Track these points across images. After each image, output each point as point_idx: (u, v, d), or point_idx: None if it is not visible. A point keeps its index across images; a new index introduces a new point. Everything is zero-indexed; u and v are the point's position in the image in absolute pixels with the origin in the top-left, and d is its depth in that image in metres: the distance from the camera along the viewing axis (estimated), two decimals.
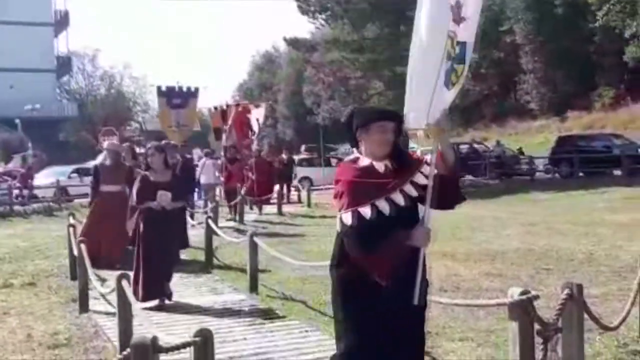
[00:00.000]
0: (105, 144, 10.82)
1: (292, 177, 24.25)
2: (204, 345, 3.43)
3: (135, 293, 6.60)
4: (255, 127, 14.68)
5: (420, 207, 3.68)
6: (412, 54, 3.71)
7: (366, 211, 3.43)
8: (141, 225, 7.39)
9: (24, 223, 19.46)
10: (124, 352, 3.27)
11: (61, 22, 59.05)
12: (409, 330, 3.63)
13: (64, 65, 61.03)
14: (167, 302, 7.47)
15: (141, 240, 7.40)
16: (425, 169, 3.59)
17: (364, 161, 3.61)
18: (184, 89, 14.18)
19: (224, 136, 14.17)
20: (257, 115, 14.82)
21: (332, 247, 3.94)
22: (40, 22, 54.05)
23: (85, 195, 24.25)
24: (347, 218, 3.46)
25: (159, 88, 14.54)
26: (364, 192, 3.47)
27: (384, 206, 3.46)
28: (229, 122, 14.74)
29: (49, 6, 57.49)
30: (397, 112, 3.86)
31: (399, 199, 3.51)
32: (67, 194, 25.71)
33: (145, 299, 7.24)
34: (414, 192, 3.56)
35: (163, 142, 12.85)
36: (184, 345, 3.43)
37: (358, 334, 3.54)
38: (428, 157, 3.63)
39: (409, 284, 3.52)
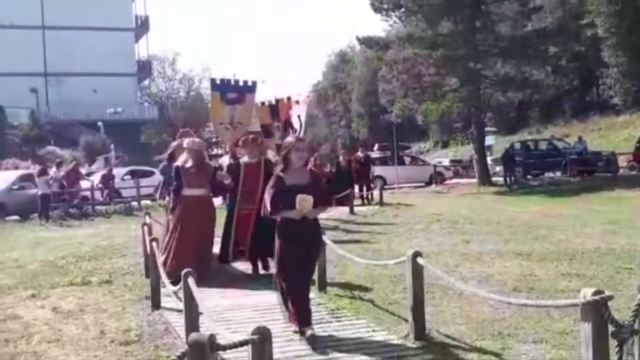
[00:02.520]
0: (185, 143, 9.45)
1: (370, 177, 23.70)
2: (262, 342, 3.39)
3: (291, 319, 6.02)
4: (297, 125, 13.13)
5: None
6: None
7: None
8: (278, 242, 6.02)
9: (105, 222, 20.13)
10: (182, 350, 3.26)
11: (141, 27, 60.63)
12: None
13: (145, 69, 62.63)
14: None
15: (283, 262, 6.02)
16: None
17: None
18: (240, 83, 12.85)
19: (276, 134, 12.69)
20: (298, 112, 13.37)
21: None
22: (122, 28, 55.62)
23: (141, 197, 25.01)
24: None
25: (212, 81, 13.28)
26: None
27: None
28: (282, 118, 13.39)
29: (130, 12, 59.13)
30: None
31: None
32: (119, 195, 26.24)
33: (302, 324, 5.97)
34: None
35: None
36: (242, 344, 3.40)
37: None
38: None
39: None
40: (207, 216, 9.13)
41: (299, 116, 13.40)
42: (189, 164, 9.00)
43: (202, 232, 8.95)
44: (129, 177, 28.90)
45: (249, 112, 12.79)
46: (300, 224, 5.82)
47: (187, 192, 9.02)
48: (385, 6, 29.14)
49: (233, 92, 12.85)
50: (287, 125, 13.30)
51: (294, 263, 5.86)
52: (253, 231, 9.20)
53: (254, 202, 9.02)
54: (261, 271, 9.35)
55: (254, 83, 13.32)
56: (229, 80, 13.44)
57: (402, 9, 29.50)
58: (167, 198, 10.47)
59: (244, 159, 9.57)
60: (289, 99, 13.66)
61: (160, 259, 8.29)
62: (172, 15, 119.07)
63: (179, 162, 9.22)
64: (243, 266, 9.69)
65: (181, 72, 70.51)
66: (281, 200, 5.77)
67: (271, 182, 5.94)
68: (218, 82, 13.21)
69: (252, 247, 9.27)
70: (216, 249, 9.58)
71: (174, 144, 10.47)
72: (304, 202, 5.69)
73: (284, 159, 5.97)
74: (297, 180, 5.87)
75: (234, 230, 9.42)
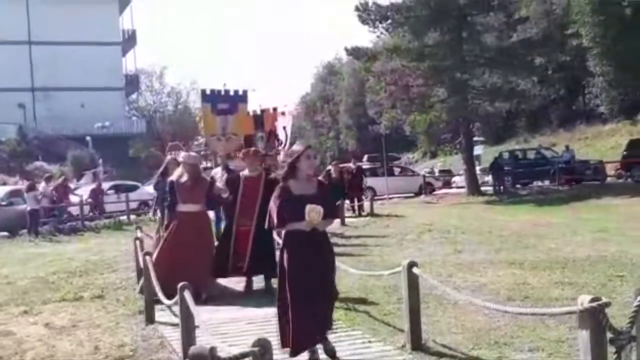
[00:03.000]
0: (180, 157, 9.13)
1: (362, 188, 23.27)
2: (262, 355, 3.39)
3: (284, 344, 5.50)
4: (282, 137, 12.70)
5: None
6: None
7: None
8: (285, 256, 5.52)
9: (95, 237, 20.03)
10: None
11: (129, 40, 60.59)
12: None
13: (132, 83, 62.58)
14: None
15: (288, 277, 5.48)
16: None
17: None
18: (231, 93, 12.61)
19: (259, 145, 12.07)
20: (284, 124, 13.03)
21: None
22: (109, 42, 55.53)
23: (119, 212, 24.99)
24: None
25: (203, 92, 13.12)
26: None
27: None
28: (267, 128, 13.00)
29: (117, 26, 59.10)
30: None
31: None
32: (103, 211, 26.01)
33: (296, 351, 5.49)
34: None
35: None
36: (243, 356, 3.40)
37: None
38: None
39: None
40: (203, 231, 8.91)
41: (284, 128, 13.13)
42: (184, 178, 8.71)
43: (197, 247, 8.59)
44: (112, 191, 28.84)
45: (242, 122, 12.61)
46: (309, 236, 5.38)
47: (182, 207, 8.72)
48: (372, 17, 29.28)
49: (224, 102, 12.79)
50: (272, 136, 13.01)
51: (300, 279, 5.34)
52: (252, 248, 8.84)
53: (252, 218, 8.72)
54: (256, 287, 9.10)
55: (245, 92, 13.24)
56: (219, 91, 13.26)
57: (389, 21, 29.63)
58: (159, 214, 10.35)
59: (244, 172, 9.13)
60: (274, 109, 13.41)
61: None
62: (160, 29, 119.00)
63: (173, 177, 8.95)
64: (236, 282, 9.50)
65: (169, 85, 70.37)
66: (288, 211, 5.34)
67: (276, 192, 5.49)
68: (208, 92, 13.14)
69: (250, 264, 8.90)
70: None
71: (168, 157, 10.23)
72: (314, 212, 5.24)
73: (291, 167, 5.48)
74: (305, 190, 5.44)
75: (233, 247, 9.00)
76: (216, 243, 9.34)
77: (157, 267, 7.54)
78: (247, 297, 8.71)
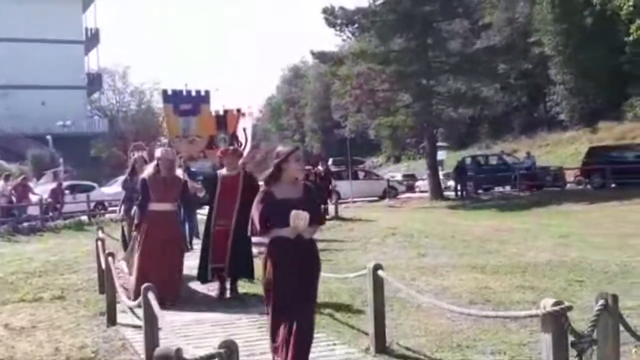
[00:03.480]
0: (157, 152, 8.62)
1: (330, 191, 22.52)
2: (229, 357, 3.37)
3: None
4: (242, 139, 12.18)
5: None
6: None
7: None
8: (269, 265, 5.11)
9: (55, 238, 19.70)
10: None
11: (92, 39, 59.85)
12: None
13: (95, 82, 61.83)
14: None
15: (274, 287, 5.07)
16: None
17: None
18: (193, 93, 12.24)
19: (221, 146, 11.30)
20: (244, 125, 12.53)
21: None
22: (71, 40, 54.80)
23: (76, 213, 24.64)
24: None
25: (164, 92, 12.64)
26: None
27: None
28: (230, 130, 12.52)
29: (80, 24, 58.34)
30: None
31: None
32: (47, 212, 25.24)
33: None
34: None
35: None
36: (209, 357, 3.37)
37: None
38: None
39: None
40: (174, 232, 8.58)
41: (244, 129, 12.59)
42: (161, 174, 8.30)
43: (167, 249, 8.27)
44: (67, 192, 28.42)
45: (205, 123, 12.34)
46: (294, 243, 4.98)
47: (153, 206, 8.30)
48: (339, 21, 29.42)
49: (186, 103, 12.44)
50: (234, 137, 12.50)
51: (286, 288, 4.97)
52: (232, 249, 8.49)
53: (231, 218, 8.47)
54: (228, 294, 8.72)
55: (207, 92, 12.90)
56: (180, 91, 12.88)
57: (356, 25, 29.83)
58: (125, 215, 10.11)
59: (222, 171, 8.81)
60: (238, 110, 12.94)
61: (129, 278, 8.05)
62: (123, 28, 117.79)
63: (144, 175, 8.48)
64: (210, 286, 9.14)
65: (132, 85, 69.87)
66: (272, 217, 4.96)
67: (259, 197, 5.10)
68: (170, 93, 12.76)
69: (230, 266, 8.53)
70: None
71: (136, 155, 10.09)
72: (299, 219, 4.85)
73: (277, 168, 5.08)
74: (289, 194, 5.04)
75: (211, 249, 8.64)
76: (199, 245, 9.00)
77: (141, 270, 7.46)
78: (219, 302, 8.48)
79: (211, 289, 8.97)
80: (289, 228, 4.89)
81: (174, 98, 12.56)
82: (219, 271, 8.64)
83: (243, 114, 13.05)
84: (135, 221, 8.69)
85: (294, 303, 4.94)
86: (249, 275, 8.63)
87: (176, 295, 8.17)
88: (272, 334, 5.11)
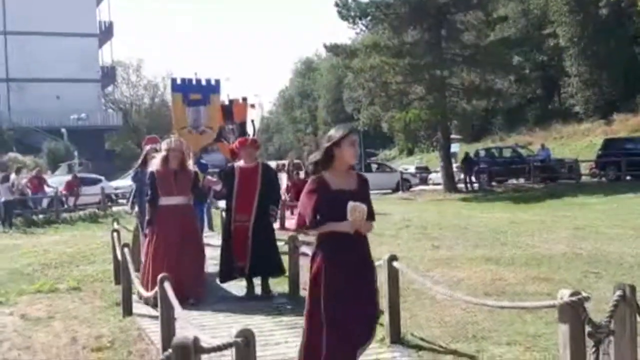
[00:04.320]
0: (165, 143, 8.10)
1: None
2: (246, 346, 3.38)
3: None
4: (250, 130, 11.60)
5: None
6: None
7: None
8: (320, 262, 4.45)
9: (70, 229, 19.84)
10: (166, 353, 3.24)
11: (105, 32, 60.00)
12: None
13: (109, 75, 62.01)
14: None
15: (325, 286, 4.40)
16: None
17: None
18: (203, 82, 11.65)
19: (231, 138, 11.10)
20: (252, 117, 12.09)
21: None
22: (85, 34, 54.96)
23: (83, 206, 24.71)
24: None
25: (173, 81, 12.06)
26: None
27: None
28: (238, 120, 11.99)
29: (94, 17, 58.50)
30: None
31: None
32: (62, 204, 25.28)
33: None
34: None
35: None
36: (226, 346, 3.39)
37: None
38: None
39: None
40: (189, 228, 8.00)
41: (252, 121, 12.12)
42: (170, 166, 7.78)
43: (184, 247, 7.76)
44: None
45: (215, 114, 11.93)
46: (351, 240, 4.39)
47: (164, 201, 7.79)
48: (352, 14, 29.33)
49: (196, 92, 11.98)
50: (243, 127, 12.00)
51: (342, 295, 4.33)
52: (252, 246, 8.10)
53: (249, 213, 8.08)
54: (259, 292, 8.29)
55: (218, 82, 12.41)
56: (190, 80, 12.40)
57: (369, 17, 29.71)
58: (137, 208, 9.81)
59: (239, 162, 8.32)
60: (244, 99, 12.52)
61: (139, 279, 7.80)
62: (137, 21, 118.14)
63: (152, 168, 7.99)
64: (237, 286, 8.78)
65: (146, 78, 70.12)
66: (326, 209, 4.34)
67: (311, 186, 4.43)
68: (179, 82, 12.28)
69: (252, 264, 8.13)
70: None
71: (148, 147, 9.45)
72: (358, 211, 4.28)
73: (328, 154, 4.44)
74: (343, 184, 4.43)
75: (232, 247, 8.23)
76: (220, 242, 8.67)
77: (154, 272, 7.06)
78: (222, 288, 8.53)
79: (231, 284, 8.62)
80: (347, 222, 4.29)
81: (183, 87, 12.17)
82: (242, 270, 8.23)
83: (252, 106, 12.83)
84: (147, 217, 8.17)
85: (349, 306, 4.34)
86: (277, 272, 8.28)
87: (199, 296, 7.75)
88: (310, 332, 4.50)
